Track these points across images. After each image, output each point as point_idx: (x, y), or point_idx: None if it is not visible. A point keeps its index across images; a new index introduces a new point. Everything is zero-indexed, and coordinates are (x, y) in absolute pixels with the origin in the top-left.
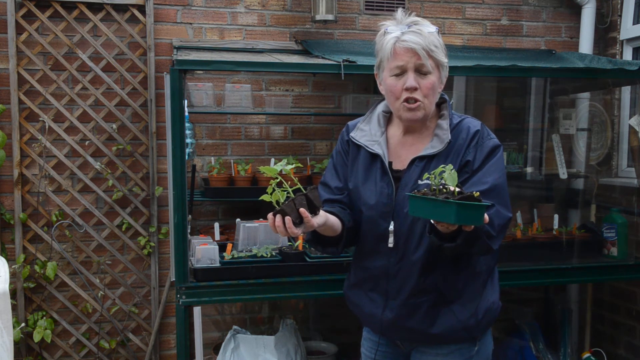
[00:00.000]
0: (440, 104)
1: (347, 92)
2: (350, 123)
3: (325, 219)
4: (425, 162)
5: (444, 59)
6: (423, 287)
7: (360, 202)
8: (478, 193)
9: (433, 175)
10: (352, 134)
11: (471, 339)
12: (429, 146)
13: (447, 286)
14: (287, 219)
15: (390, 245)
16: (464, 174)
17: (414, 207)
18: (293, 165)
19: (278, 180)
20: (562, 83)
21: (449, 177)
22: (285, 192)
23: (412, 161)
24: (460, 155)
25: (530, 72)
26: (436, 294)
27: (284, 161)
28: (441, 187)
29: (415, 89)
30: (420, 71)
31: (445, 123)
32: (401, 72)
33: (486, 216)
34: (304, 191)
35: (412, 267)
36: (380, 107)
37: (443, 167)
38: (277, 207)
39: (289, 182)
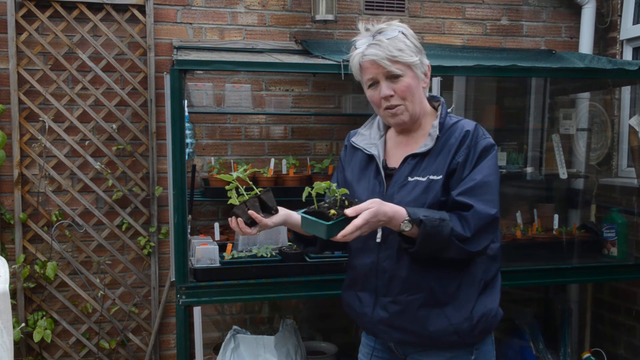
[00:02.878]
0: (437, 106)
1: (347, 92)
2: (351, 132)
3: (284, 218)
4: (418, 160)
5: (412, 58)
6: (414, 283)
7: (353, 198)
8: (334, 212)
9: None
10: (352, 139)
11: (466, 346)
12: (422, 145)
13: (439, 286)
14: (240, 220)
15: (378, 240)
16: (457, 176)
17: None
18: (248, 172)
19: (235, 185)
20: (562, 83)
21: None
22: (242, 196)
23: (405, 159)
24: (450, 154)
25: (530, 72)
26: (428, 294)
27: (242, 169)
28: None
29: (390, 96)
30: (391, 77)
31: (436, 122)
32: (375, 84)
33: (341, 234)
34: (258, 193)
35: (400, 261)
36: None
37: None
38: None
39: (244, 186)
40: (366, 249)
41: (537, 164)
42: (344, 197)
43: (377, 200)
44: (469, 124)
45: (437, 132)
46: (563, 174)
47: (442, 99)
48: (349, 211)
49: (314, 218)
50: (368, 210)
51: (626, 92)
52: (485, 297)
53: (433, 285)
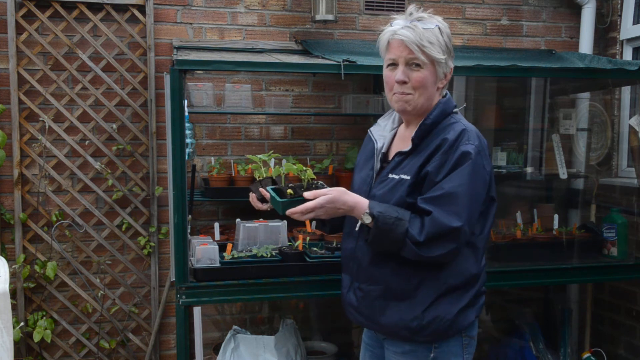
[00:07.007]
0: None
1: (347, 92)
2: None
3: None
4: (402, 158)
5: (439, 55)
6: (373, 275)
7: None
8: (291, 191)
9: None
10: (370, 128)
11: (423, 343)
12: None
13: (396, 282)
14: (252, 195)
15: (357, 228)
16: (429, 183)
17: None
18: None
19: (259, 166)
20: (562, 83)
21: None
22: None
23: (395, 155)
24: (424, 157)
25: (530, 72)
26: (384, 287)
27: (267, 155)
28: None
29: (404, 82)
30: (411, 65)
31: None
32: (394, 65)
33: (289, 212)
34: (273, 177)
35: (366, 252)
36: None
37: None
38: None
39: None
40: (351, 235)
41: (537, 164)
42: (316, 182)
43: (341, 188)
44: (454, 131)
45: (419, 133)
46: (563, 174)
47: (441, 101)
48: (307, 194)
49: (274, 194)
50: (325, 196)
51: (626, 92)
52: (445, 301)
53: (389, 280)
